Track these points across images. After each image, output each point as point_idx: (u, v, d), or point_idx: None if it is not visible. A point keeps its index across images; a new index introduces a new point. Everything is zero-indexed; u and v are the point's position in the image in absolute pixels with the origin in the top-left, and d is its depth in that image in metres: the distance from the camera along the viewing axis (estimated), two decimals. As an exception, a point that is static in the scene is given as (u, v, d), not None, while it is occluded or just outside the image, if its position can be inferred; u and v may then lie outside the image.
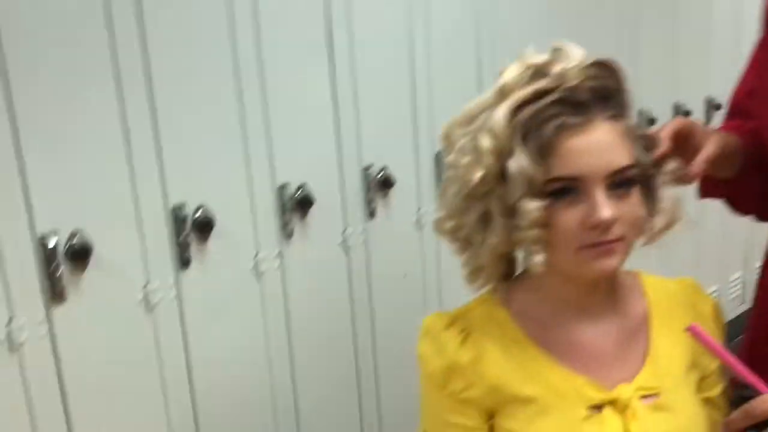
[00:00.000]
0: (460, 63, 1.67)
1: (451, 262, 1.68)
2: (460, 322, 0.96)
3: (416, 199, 1.65)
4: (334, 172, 1.51)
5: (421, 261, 1.69)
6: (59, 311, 1.17)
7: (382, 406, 1.66)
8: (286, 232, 1.44)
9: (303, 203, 1.44)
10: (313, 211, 1.46)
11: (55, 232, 1.14)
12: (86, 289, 1.19)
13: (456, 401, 0.93)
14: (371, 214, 1.57)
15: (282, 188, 1.42)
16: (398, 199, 1.61)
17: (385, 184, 1.57)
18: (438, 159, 1.66)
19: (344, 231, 1.54)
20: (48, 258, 1.14)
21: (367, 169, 1.54)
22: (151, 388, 1.29)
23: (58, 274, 1.15)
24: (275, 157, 1.40)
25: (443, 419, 0.95)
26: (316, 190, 1.45)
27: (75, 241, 1.16)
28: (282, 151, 1.41)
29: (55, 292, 1.16)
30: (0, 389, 1.12)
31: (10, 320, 1.12)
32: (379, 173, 1.56)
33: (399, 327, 1.64)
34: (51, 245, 1.13)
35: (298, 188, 1.43)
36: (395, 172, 1.57)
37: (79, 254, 1.17)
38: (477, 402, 0.93)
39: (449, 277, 1.72)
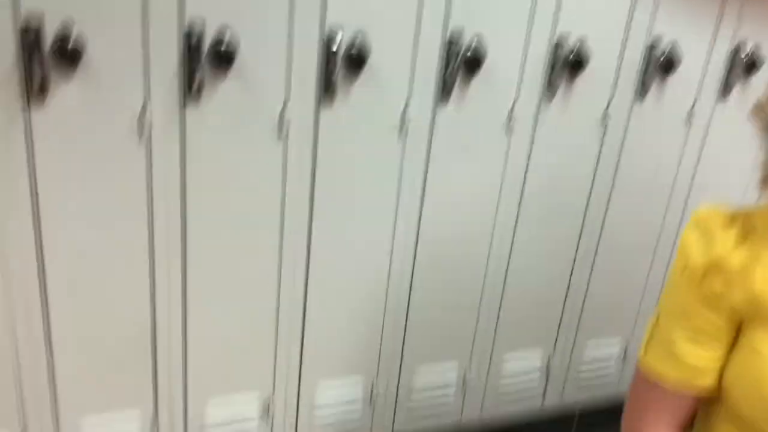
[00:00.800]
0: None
1: (709, 171, 1.57)
2: (742, 221, 0.87)
3: (696, 90, 1.51)
4: (617, 41, 1.40)
5: (679, 158, 1.56)
6: (325, 110, 1.23)
7: (589, 291, 1.63)
8: (550, 91, 1.38)
9: (575, 66, 1.37)
10: (583, 76, 1.39)
11: (338, 32, 1.18)
12: (354, 96, 1.24)
13: (707, 300, 0.87)
14: (642, 94, 1.46)
15: (558, 45, 1.35)
16: (676, 85, 1.47)
17: (667, 67, 1.43)
18: (734, 55, 1.48)
19: (608, 105, 1.45)
20: (328, 57, 1.19)
21: (652, 47, 1.41)
22: (386, 202, 1.35)
23: (334, 73, 1.20)
24: (561, 11, 1.32)
25: (686, 313, 0.89)
26: (592, 56, 1.36)
27: (354, 46, 1.19)
28: (568, 7, 1.32)
29: (327, 91, 1.21)
30: (267, 170, 1.23)
31: (285, 105, 1.20)
32: (664, 53, 1.42)
33: (634, 216, 1.57)
34: (333, 47, 1.18)
35: (574, 49, 1.35)
36: (682, 54, 1.43)
37: (356, 61, 1.20)
38: (730, 307, 0.86)
39: (702, 184, 1.59)
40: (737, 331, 0.87)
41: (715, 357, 0.87)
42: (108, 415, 1.29)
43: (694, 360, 0.87)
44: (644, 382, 0.91)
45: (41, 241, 1.13)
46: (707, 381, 0.87)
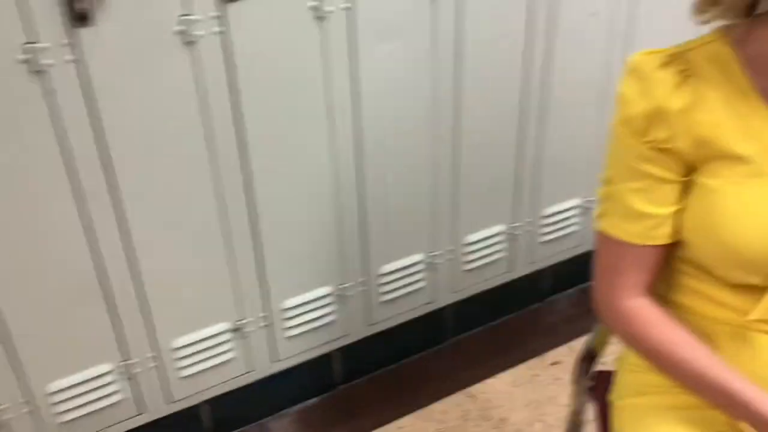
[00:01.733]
0: None
1: (646, 12, 1.51)
2: (678, 62, 0.82)
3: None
4: None
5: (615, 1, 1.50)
6: (233, 9, 1.13)
7: (545, 149, 1.60)
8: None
9: None
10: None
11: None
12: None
13: (654, 150, 0.83)
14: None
15: None
16: None
17: None
18: None
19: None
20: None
21: None
22: (315, 97, 1.28)
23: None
24: None
25: (634, 168, 0.86)
26: None
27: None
28: None
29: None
30: (175, 80, 1.14)
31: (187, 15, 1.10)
32: None
33: (574, 66, 1.52)
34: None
35: None
36: None
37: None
38: (679, 154, 0.83)
39: (640, 25, 1.54)
40: (689, 179, 0.84)
41: (670, 208, 0.85)
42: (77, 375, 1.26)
43: (653, 210, 0.85)
44: (607, 246, 0.88)
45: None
46: (667, 229, 0.85)
